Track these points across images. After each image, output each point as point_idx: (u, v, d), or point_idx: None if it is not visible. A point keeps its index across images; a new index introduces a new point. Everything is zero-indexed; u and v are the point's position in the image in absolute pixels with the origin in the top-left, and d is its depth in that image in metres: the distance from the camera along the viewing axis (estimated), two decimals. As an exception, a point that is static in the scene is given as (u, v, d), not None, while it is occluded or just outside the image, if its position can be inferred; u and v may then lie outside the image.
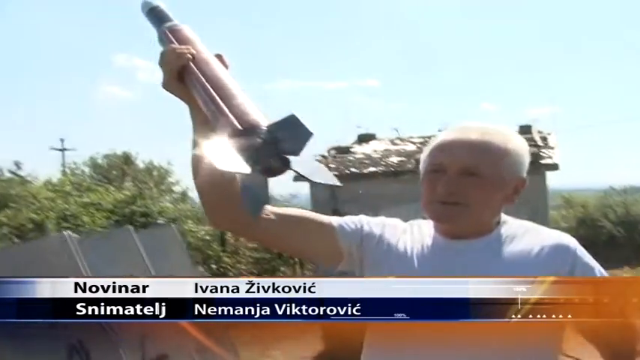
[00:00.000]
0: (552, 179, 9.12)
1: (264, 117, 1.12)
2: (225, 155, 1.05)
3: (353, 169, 6.54)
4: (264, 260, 9.18)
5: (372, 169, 6.73)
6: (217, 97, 1.16)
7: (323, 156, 7.07)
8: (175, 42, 1.25)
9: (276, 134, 1.08)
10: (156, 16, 1.32)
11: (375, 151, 7.40)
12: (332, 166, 6.67)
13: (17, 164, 16.41)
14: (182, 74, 1.22)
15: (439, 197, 1.28)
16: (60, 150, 23.53)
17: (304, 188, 7.40)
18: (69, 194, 6.89)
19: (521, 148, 1.32)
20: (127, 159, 16.25)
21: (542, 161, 8.25)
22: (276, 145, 1.08)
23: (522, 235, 1.31)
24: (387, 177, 6.57)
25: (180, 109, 1.26)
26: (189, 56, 1.21)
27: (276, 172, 1.09)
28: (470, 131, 1.31)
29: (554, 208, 13.45)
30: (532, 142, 8.42)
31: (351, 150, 7.38)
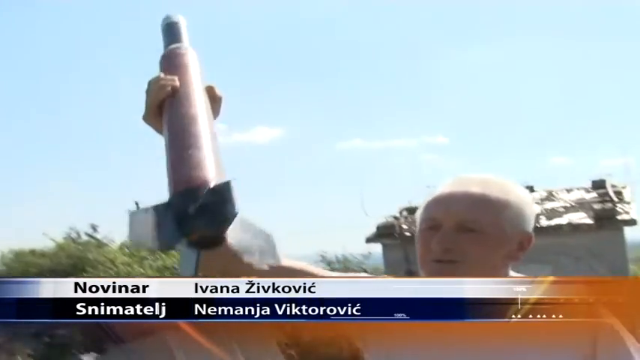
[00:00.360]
0: (631, 232, 9.00)
1: (218, 174, 1.01)
2: (144, 222, 0.97)
3: None
4: None
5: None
6: (175, 142, 1.06)
7: (395, 217, 6.93)
8: (170, 68, 1.17)
9: (209, 202, 0.98)
10: (169, 33, 1.25)
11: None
12: (404, 227, 6.54)
13: (94, 227, 16.42)
14: (162, 108, 1.13)
15: (434, 255, 1.21)
16: None
17: (377, 248, 7.31)
18: (144, 258, 6.80)
19: (523, 200, 1.25)
20: None
21: (619, 217, 8.19)
22: (209, 214, 0.98)
23: None
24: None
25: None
26: (170, 90, 1.12)
27: (208, 245, 1.01)
28: (467, 183, 1.24)
29: (634, 262, 12.91)
30: (607, 198, 8.39)
31: None
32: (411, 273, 5.81)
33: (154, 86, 1.14)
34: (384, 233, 6.37)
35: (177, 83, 1.13)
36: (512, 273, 1.28)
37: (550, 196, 10.12)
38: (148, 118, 1.15)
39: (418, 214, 1.27)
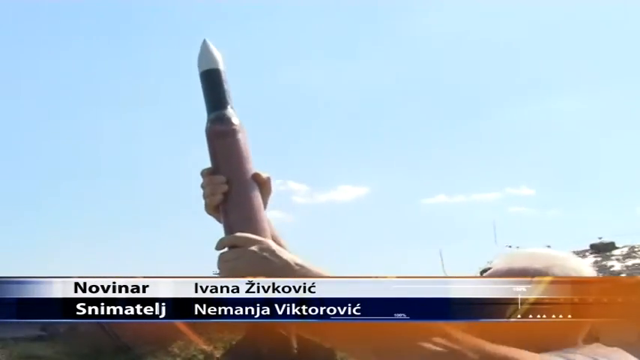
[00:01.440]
0: None
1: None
2: None
3: None
4: None
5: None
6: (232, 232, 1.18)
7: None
8: (219, 153, 1.23)
9: None
10: (211, 90, 1.27)
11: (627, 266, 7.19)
12: None
13: None
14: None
15: None
16: None
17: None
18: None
19: (568, 268, 1.25)
20: None
21: None
22: None
23: None
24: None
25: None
26: (222, 196, 1.20)
27: None
28: (514, 258, 1.25)
29: None
30: None
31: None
32: None
33: (207, 189, 1.22)
34: None
35: (227, 187, 1.20)
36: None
37: (632, 253, 10.13)
38: (208, 211, 1.24)
39: None
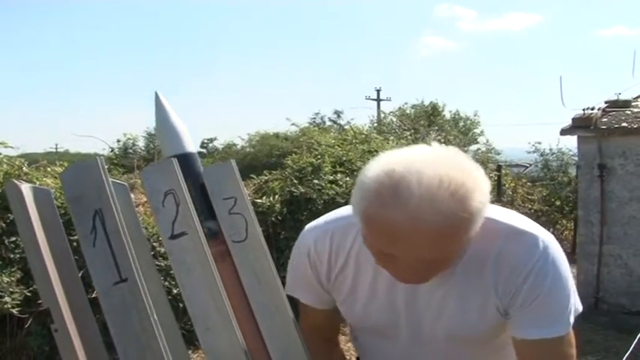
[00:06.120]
0: None
1: None
2: None
3: (624, 124, 6.01)
4: (542, 212, 9.59)
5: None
6: None
7: (590, 108, 6.61)
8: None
9: None
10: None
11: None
12: (604, 119, 6.27)
13: (337, 113, 17.72)
14: None
15: (401, 279, 1.09)
16: (375, 100, 24.45)
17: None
18: (350, 143, 7.15)
19: (483, 202, 1.01)
20: (434, 109, 16.52)
21: None
22: None
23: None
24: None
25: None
26: None
27: None
28: (421, 217, 0.96)
29: None
30: None
31: (632, 104, 6.60)
32: (602, 167, 5.98)
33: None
34: (579, 126, 6.12)
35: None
36: None
37: None
38: None
39: (355, 212, 1.08)
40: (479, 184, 0.99)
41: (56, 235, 1.17)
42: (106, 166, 1.10)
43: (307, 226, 1.29)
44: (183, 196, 1.16)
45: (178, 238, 1.15)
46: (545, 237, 1.13)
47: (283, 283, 1.26)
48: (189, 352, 1.21)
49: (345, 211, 1.21)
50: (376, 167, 1.02)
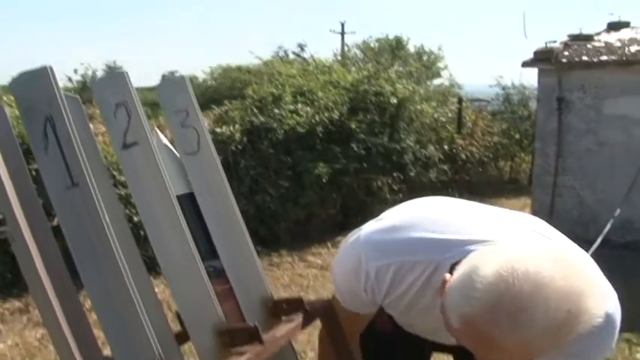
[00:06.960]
0: None
1: None
2: None
3: (584, 58, 6.01)
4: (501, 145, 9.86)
5: (604, 57, 6.08)
6: None
7: (553, 41, 6.54)
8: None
9: None
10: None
11: (620, 40, 6.48)
12: (566, 53, 6.24)
13: (301, 46, 17.10)
14: None
15: None
16: (339, 33, 23.73)
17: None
18: (312, 74, 7.15)
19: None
20: (398, 42, 16.41)
21: None
22: None
23: None
24: (618, 66, 6.00)
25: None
26: None
27: None
28: (533, 344, 0.88)
29: None
30: None
31: (595, 38, 6.55)
32: (560, 100, 5.99)
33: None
34: (541, 59, 6.14)
35: None
36: None
37: None
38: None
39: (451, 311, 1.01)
40: (594, 316, 0.92)
41: (11, 150, 1.18)
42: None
43: (367, 238, 1.20)
44: (135, 107, 1.18)
45: (130, 148, 1.17)
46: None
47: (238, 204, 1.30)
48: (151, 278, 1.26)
49: (416, 241, 1.14)
50: (493, 268, 0.89)
